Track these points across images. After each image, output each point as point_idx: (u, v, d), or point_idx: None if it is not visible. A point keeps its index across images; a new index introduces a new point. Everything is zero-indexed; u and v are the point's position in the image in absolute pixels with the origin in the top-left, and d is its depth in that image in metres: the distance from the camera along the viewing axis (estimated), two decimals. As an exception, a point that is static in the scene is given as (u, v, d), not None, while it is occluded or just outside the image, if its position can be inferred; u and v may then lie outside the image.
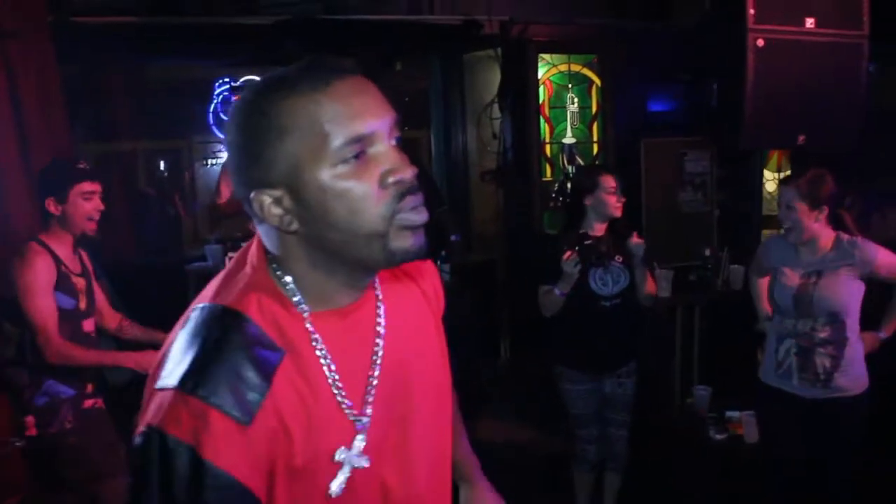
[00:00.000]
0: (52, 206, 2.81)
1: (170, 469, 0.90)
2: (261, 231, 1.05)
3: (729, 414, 3.87)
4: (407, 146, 1.05)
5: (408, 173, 0.99)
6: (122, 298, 5.00)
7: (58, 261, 2.82)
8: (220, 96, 6.46)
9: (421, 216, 1.02)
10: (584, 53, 5.65)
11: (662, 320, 4.45)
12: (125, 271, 5.33)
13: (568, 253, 3.14)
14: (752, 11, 3.42)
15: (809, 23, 3.59)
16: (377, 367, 1.10)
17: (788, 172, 3.68)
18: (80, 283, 2.92)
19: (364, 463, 1.05)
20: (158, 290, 5.35)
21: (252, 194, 0.99)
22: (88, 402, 2.95)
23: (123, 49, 5.03)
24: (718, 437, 3.74)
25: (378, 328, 1.12)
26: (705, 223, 5.62)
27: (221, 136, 6.89)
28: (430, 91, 6.40)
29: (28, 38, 4.02)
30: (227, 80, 6.39)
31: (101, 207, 2.87)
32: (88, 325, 2.96)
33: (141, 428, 0.93)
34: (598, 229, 3.36)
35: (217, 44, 5.18)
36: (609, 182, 3.31)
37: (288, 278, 1.03)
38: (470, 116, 6.22)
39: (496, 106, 5.68)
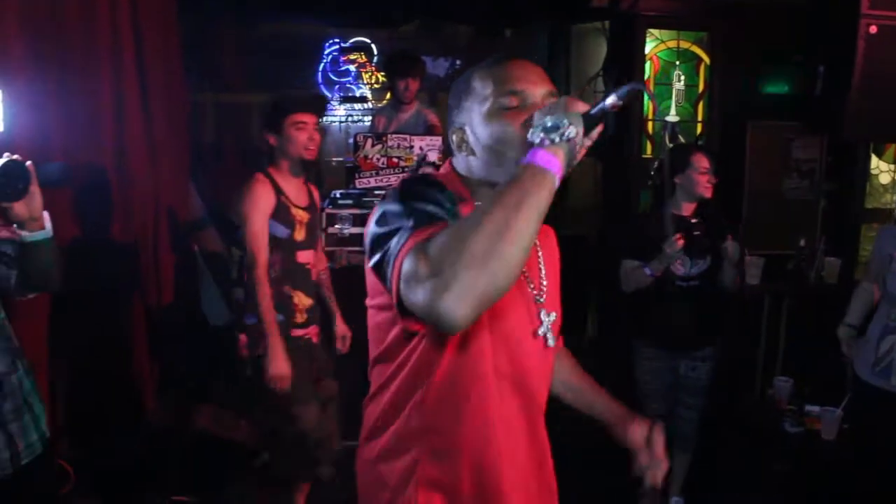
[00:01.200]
0: (270, 138, 3.02)
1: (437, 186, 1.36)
2: (457, 161, 1.51)
3: (809, 408, 3.79)
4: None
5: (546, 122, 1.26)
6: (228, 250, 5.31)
7: (278, 191, 3.01)
8: (330, 56, 6.64)
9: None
10: (694, 30, 5.50)
11: (749, 308, 4.38)
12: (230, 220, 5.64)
13: (680, 239, 3.13)
14: (867, -3, 3.29)
15: (928, 10, 3.42)
16: (542, 268, 1.58)
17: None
18: (300, 215, 3.08)
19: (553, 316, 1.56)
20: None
21: (451, 133, 1.49)
22: (297, 332, 3.06)
23: (238, 5, 5.22)
24: (793, 430, 3.68)
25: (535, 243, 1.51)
26: (810, 212, 5.43)
27: (329, 94, 7.11)
28: (536, 61, 6.38)
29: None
30: (336, 40, 6.56)
31: (316, 137, 3.04)
32: (303, 257, 3.10)
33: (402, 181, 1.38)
34: (686, 209, 3.36)
35: (328, 5, 5.32)
36: (701, 161, 3.29)
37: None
38: (574, 88, 6.18)
39: (601, 79, 5.63)
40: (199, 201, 5.23)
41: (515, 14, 5.92)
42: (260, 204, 2.95)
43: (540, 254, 1.58)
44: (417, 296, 1.11)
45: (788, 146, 5.40)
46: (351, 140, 4.70)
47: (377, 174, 4.23)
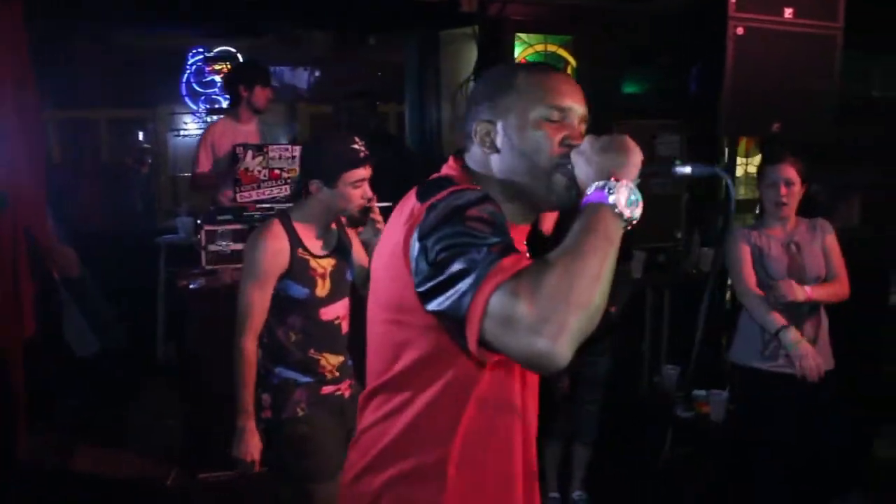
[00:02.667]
0: (315, 188, 2.54)
1: (481, 200, 1.23)
2: (468, 155, 1.46)
3: (696, 393, 3.97)
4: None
5: (580, 143, 1.32)
6: (91, 269, 5.00)
7: (295, 243, 2.57)
8: (194, 66, 6.37)
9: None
10: (560, 34, 5.66)
11: (632, 300, 4.53)
12: (95, 242, 5.31)
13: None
14: (733, 0, 3.48)
15: (788, 13, 3.65)
16: None
17: (759, 157, 3.76)
18: (322, 266, 2.63)
19: None
20: (129, 261, 5.34)
21: (474, 123, 1.43)
22: (327, 389, 2.65)
23: (93, 16, 4.93)
24: (685, 415, 3.84)
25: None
26: (675, 206, 5.69)
27: (194, 106, 6.80)
28: (406, 66, 6.37)
29: (-1, 2, 3.93)
30: (200, 50, 6.30)
31: (370, 195, 2.61)
32: (329, 314, 2.65)
33: (437, 199, 1.25)
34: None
35: (190, 14, 5.10)
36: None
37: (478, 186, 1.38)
38: (445, 93, 6.20)
39: (472, 84, 5.68)
40: (53, 224, 4.87)
41: (381, 21, 5.88)
42: (267, 266, 2.52)
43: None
44: (518, 338, 1.09)
45: (652, 143, 5.64)
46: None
47: (258, 187, 4.07)
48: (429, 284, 1.18)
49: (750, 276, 3.11)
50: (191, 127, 6.87)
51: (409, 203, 1.33)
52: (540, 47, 5.62)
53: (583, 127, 1.42)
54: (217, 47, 6.15)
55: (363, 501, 1.40)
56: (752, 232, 3.18)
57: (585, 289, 1.10)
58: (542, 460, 3.62)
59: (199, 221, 4.27)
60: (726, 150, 5.71)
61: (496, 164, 1.42)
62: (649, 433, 4.08)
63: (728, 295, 4.15)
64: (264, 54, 7.05)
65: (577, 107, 1.40)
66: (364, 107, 5.26)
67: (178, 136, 7.05)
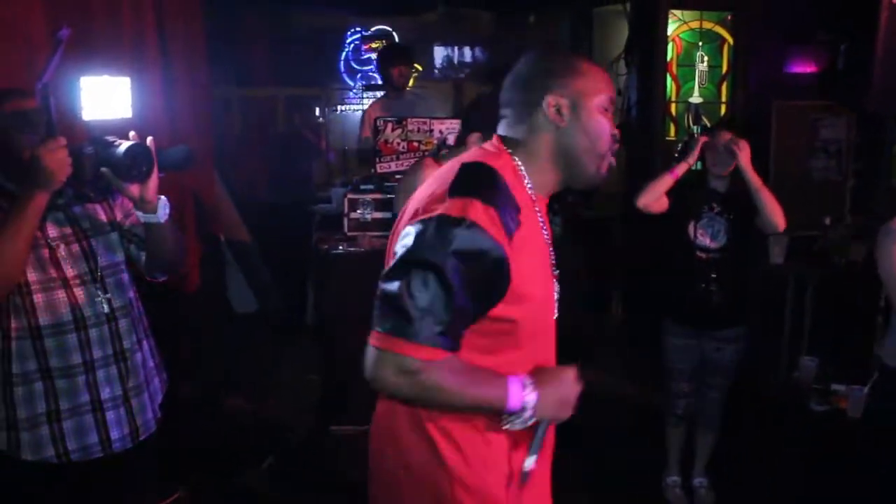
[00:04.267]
0: (472, 139, 2.78)
1: (476, 247, 1.37)
2: (520, 127, 1.57)
3: (835, 387, 3.77)
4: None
5: (617, 134, 1.59)
6: (254, 234, 5.40)
7: None
8: (352, 45, 6.67)
9: (613, 161, 1.60)
10: (717, 10, 5.45)
11: (774, 287, 4.35)
12: (258, 209, 5.72)
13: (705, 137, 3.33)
14: (887, -32, 3.24)
15: (952, -20, 3.35)
16: (551, 253, 1.63)
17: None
18: None
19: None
20: (289, 228, 5.71)
21: (547, 96, 1.53)
22: None
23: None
24: (819, 408, 3.66)
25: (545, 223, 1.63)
26: (838, 192, 5.37)
27: (351, 83, 7.12)
28: (558, 45, 6.37)
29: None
30: (358, 29, 6.58)
31: None
32: None
33: (445, 216, 1.38)
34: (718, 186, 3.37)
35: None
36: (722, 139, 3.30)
37: (521, 164, 1.55)
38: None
39: (623, 62, 5.61)
40: (223, 189, 5.29)
41: (537, -1, 5.91)
42: None
43: (541, 218, 1.60)
44: (385, 377, 1.38)
45: (815, 126, 5.34)
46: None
47: (397, 158, 4.25)
48: (382, 323, 1.38)
49: None
50: (354, 103, 7.22)
51: (446, 179, 1.48)
52: (695, 24, 5.46)
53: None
54: (374, 26, 6.41)
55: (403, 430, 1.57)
56: None
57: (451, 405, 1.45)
58: (665, 442, 3.64)
59: (342, 190, 4.52)
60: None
61: (558, 136, 1.55)
62: (780, 425, 3.92)
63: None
64: (426, 34, 7.27)
65: (615, 100, 1.65)
66: None
67: (336, 111, 7.40)
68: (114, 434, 2.07)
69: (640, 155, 5.54)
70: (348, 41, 6.71)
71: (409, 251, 1.37)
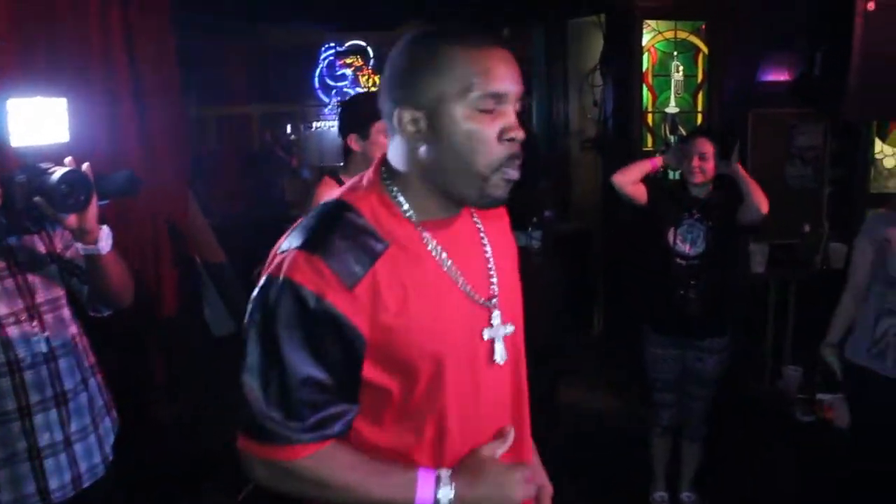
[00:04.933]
0: (353, 142, 2.73)
1: (298, 306, 1.13)
2: (392, 145, 1.27)
3: (820, 396, 3.75)
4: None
5: (520, 135, 1.21)
6: (231, 255, 5.33)
7: None
8: (326, 61, 6.64)
9: (516, 174, 1.24)
10: (691, 20, 5.46)
11: (755, 296, 4.33)
12: (234, 228, 5.65)
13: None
14: (863, -27, 3.23)
15: (927, -16, 3.35)
16: (492, 268, 1.34)
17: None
18: None
19: (510, 329, 1.34)
20: (261, 246, 5.65)
21: (397, 110, 1.22)
22: None
23: (235, 14, 5.23)
24: (805, 419, 3.63)
25: (483, 241, 1.36)
26: (814, 199, 5.38)
27: (326, 99, 7.08)
28: (534, 57, 6.36)
29: (147, 8, 4.24)
30: (332, 45, 6.56)
31: None
32: None
33: (267, 278, 1.17)
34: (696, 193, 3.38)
35: (323, 8, 5.31)
36: (697, 147, 3.30)
37: (396, 189, 1.25)
38: (572, 84, 6.14)
39: (598, 73, 5.60)
40: (198, 210, 5.22)
41: (511, 12, 5.89)
42: None
43: (486, 243, 1.36)
44: (261, 478, 1.23)
45: (791, 134, 5.35)
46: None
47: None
48: (245, 364, 1.21)
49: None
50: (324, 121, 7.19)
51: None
52: (669, 34, 5.46)
53: (518, 106, 1.23)
54: (347, 41, 6.38)
55: None
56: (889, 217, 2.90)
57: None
58: (650, 456, 3.60)
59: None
60: (875, 139, 5.36)
61: (424, 154, 1.22)
62: (766, 436, 3.89)
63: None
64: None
65: (513, 88, 1.20)
66: None
67: (311, 128, 7.36)
68: (52, 483, 1.90)
69: (617, 166, 5.50)
70: (322, 57, 6.68)
71: (244, 326, 1.20)
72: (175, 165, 4.53)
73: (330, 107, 7.05)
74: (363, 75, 7.10)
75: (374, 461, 1.21)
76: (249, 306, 1.20)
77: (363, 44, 6.88)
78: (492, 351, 1.30)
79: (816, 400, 3.74)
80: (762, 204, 3.24)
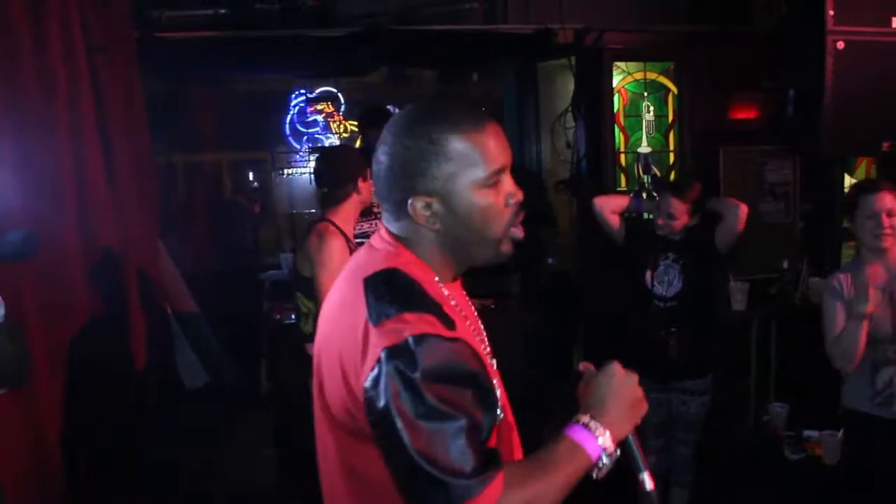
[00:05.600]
0: (359, 184, 2.99)
1: (441, 352, 1.20)
2: (400, 224, 1.38)
3: (807, 433, 3.70)
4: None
5: (520, 197, 1.38)
6: (202, 304, 5.22)
7: (348, 241, 3.00)
8: (297, 107, 6.62)
9: (520, 232, 1.41)
10: (660, 61, 5.52)
11: (737, 334, 4.31)
12: (207, 278, 5.54)
13: None
14: (831, 13, 3.26)
15: (897, 22, 3.40)
16: (482, 330, 1.47)
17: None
18: None
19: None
20: (237, 297, 5.54)
21: (410, 199, 1.33)
22: None
23: (204, 63, 5.19)
24: (795, 457, 3.58)
25: (468, 301, 1.49)
26: (788, 234, 5.41)
27: (297, 146, 7.06)
28: (505, 100, 6.38)
29: (114, 54, 4.19)
30: (303, 91, 6.55)
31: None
32: None
33: (391, 349, 1.19)
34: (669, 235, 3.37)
35: (293, 56, 5.29)
36: (666, 203, 3.31)
37: (419, 256, 1.37)
38: (544, 126, 6.16)
39: (570, 115, 5.62)
40: (169, 261, 5.12)
41: (481, 56, 5.90)
42: (336, 257, 2.87)
43: (458, 308, 1.43)
44: None
45: (762, 170, 5.40)
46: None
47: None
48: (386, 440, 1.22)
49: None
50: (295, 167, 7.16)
51: (356, 307, 1.29)
52: (639, 75, 5.51)
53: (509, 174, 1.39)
54: (318, 88, 6.38)
55: None
56: (844, 277, 2.91)
57: None
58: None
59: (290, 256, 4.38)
60: (845, 175, 5.42)
61: (440, 236, 1.36)
62: (756, 476, 3.83)
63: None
64: (371, 94, 7.25)
65: (508, 160, 1.37)
66: None
67: (282, 175, 7.32)
68: None
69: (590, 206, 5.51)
70: (293, 103, 6.67)
71: (390, 412, 1.18)
72: (145, 213, 4.46)
73: (301, 153, 7.01)
74: (334, 121, 7.09)
75: (536, 457, 1.28)
76: (382, 384, 1.19)
77: (334, 90, 6.89)
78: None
79: (804, 437, 3.69)
80: (741, 216, 3.27)
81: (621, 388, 1.37)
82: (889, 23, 3.37)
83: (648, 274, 3.35)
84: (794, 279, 4.45)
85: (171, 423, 4.49)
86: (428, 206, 1.32)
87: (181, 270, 5.09)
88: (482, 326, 1.48)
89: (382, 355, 1.19)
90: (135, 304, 4.26)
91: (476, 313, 1.49)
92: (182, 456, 4.46)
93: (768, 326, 4.40)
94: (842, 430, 3.44)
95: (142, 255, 4.42)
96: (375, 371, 1.20)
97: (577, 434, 1.30)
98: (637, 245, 3.42)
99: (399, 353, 1.19)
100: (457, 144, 1.31)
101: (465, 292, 1.49)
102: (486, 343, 1.45)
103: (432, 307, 1.26)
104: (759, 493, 3.72)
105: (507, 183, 1.36)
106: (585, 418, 1.32)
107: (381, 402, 1.19)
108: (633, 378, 1.39)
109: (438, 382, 1.18)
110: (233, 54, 5.10)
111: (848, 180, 5.46)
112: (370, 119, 4.87)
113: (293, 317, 3.98)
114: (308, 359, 3.19)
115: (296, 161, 7.10)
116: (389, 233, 1.40)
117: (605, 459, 1.30)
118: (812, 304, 4.24)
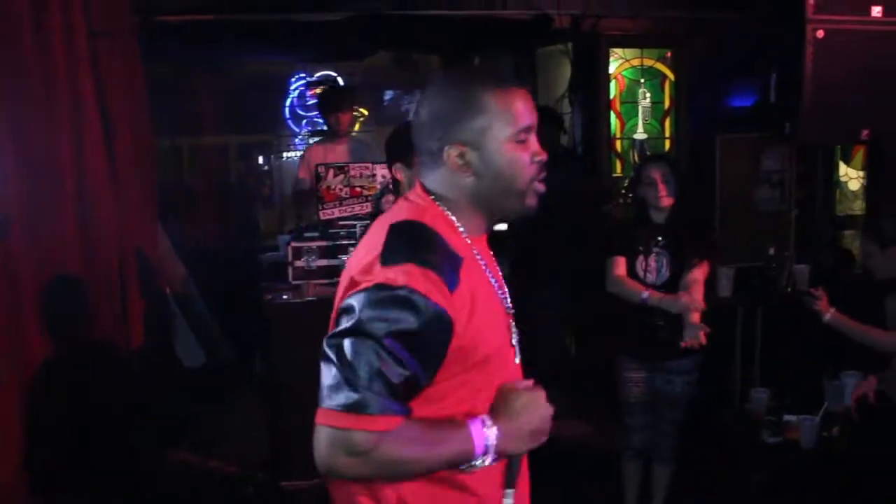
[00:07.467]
0: (399, 172, 2.76)
1: (414, 311, 1.30)
2: (433, 176, 1.51)
3: (787, 418, 3.74)
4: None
5: (544, 157, 1.50)
6: (203, 285, 5.31)
7: None
8: (297, 91, 6.67)
9: (543, 186, 1.53)
10: (657, 47, 5.55)
11: (722, 319, 4.34)
12: (209, 259, 5.63)
13: None
14: (811, 1, 3.29)
15: (876, 11, 3.41)
16: (504, 284, 1.58)
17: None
18: None
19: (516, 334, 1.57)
20: (238, 278, 5.62)
21: (446, 147, 1.46)
22: None
23: (205, 47, 5.25)
24: (772, 440, 3.63)
25: (493, 257, 1.60)
26: (783, 222, 5.42)
27: (297, 129, 7.11)
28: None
29: (115, 38, 4.24)
30: (302, 75, 6.60)
31: None
32: None
33: (381, 286, 1.32)
34: (657, 219, 3.40)
35: (293, 40, 5.35)
36: (650, 172, 3.33)
37: (448, 212, 1.48)
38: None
39: (566, 101, 5.65)
40: (167, 240, 5.19)
41: (481, 41, 5.94)
42: None
43: (482, 261, 1.54)
44: (339, 463, 1.30)
45: (758, 158, 5.41)
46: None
47: (340, 204, 4.22)
48: (330, 365, 1.32)
49: None
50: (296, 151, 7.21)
51: (375, 245, 1.40)
52: (636, 62, 5.54)
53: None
54: (318, 72, 6.43)
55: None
56: None
57: (404, 473, 1.37)
58: (621, 479, 3.60)
59: (288, 238, 4.46)
60: (839, 162, 5.44)
61: (471, 185, 1.48)
62: (735, 458, 3.89)
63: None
64: (373, 78, 7.29)
65: (535, 121, 1.50)
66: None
67: (282, 157, 7.38)
68: None
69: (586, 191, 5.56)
70: (293, 87, 6.72)
71: (351, 325, 1.31)
72: (143, 195, 4.53)
73: (301, 136, 7.07)
74: (333, 105, 7.10)
75: (433, 427, 1.37)
76: (355, 303, 1.32)
77: (334, 74, 6.93)
78: (515, 353, 1.56)
79: (784, 421, 3.73)
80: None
81: (534, 413, 1.45)
82: (868, 12, 3.39)
83: (640, 261, 3.39)
84: (779, 266, 4.48)
85: (169, 398, 4.60)
86: (462, 155, 1.46)
87: (188, 251, 5.18)
88: (503, 291, 1.57)
89: (372, 286, 1.33)
90: (132, 284, 4.35)
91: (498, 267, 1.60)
92: (176, 432, 4.56)
93: (754, 313, 4.43)
94: (819, 415, 3.50)
95: (140, 235, 4.49)
96: (359, 294, 1.33)
97: (474, 428, 1.38)
98: (626, 234, 3.47)
99: (385, 291, 1.31)
100: (490, 100, 1.44)
101: (489, 248, 1.60)
102: (507, 295, 1.57)
103: (442, 266, 1.35)
104: (737, 473, 3.79)
105: (533, 142, 1.49)
106: (489, 421, 1.40)
107: (346, 304, 1.34)
108: (549, 411, 1.48)
109: (398, 340, 1.29)
110: (233, 37, 5.17)
111: (843, 169, 5.48)
112: (332, 101, 5.00)
113: (283, 297, 4.08)
114: (299, 340, 3.26)
115: (296, 145, 7.17)
116: (423, 188, 1.52)
117: (481, 461, 1.39)
118: (798, 291, 4.27)
